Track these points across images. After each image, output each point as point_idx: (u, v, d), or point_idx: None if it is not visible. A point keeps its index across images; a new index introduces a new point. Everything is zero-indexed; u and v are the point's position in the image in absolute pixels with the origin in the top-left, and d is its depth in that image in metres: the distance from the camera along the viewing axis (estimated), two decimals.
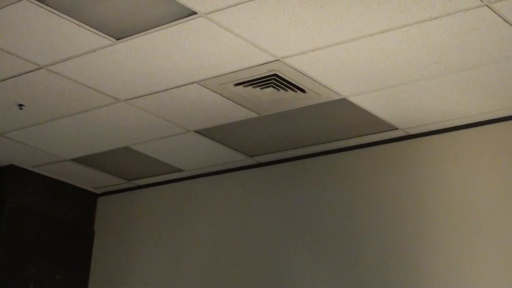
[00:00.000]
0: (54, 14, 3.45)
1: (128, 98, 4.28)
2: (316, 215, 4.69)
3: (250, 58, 3.77)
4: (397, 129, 4.44)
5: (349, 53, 3.66)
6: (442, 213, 4.23)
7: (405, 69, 3.78)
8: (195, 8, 3.37)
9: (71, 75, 4.03)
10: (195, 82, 4.05)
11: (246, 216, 5.02)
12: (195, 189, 5.34)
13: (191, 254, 5.20)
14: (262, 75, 3.93)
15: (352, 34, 3.50)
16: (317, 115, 4.35)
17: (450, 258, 4.13)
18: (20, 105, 4.40)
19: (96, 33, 3.61)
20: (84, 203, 5.77)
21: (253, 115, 4.40)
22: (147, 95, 4.23)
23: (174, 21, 3.47)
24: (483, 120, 4.24)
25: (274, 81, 3.97)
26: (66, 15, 3.46)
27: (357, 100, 4.15)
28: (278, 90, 4.07)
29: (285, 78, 3.94)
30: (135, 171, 5.41)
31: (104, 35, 3.62)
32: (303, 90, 4.07)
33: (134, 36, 3.62)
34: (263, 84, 4.02)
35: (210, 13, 3.39)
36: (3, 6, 3.40)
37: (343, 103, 4.18)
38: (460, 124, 4.31)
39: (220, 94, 4.16)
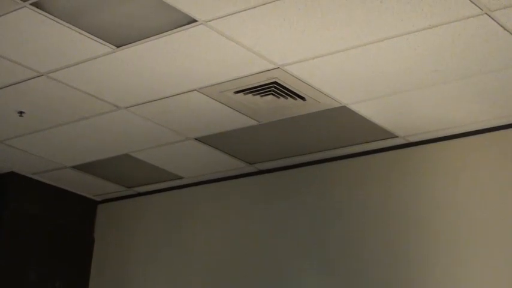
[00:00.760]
0: (55, 21, 3.45)
1: (128, 105, 4.28)
2: (316, 223, 4.69)
3: (250, 66, 3.77)
4: (397, 137, 4.44)
5: (349, 61, 3.66)
6: (443, 221, 4.22)
7: (405, 77, 3.78)
8: (196, 16, 3.37)
9: (71, 82, 4.03)
10: (195, 90, 4.06)
11: (246, 224, 5.02)
12: (195, 197, 5.34)
13: (191, 261, 5.19)
14: (262, 83, 3.94)
15: (352, 42, 3.50)
16: (317, 123, 4.35)
17: (449, 267, 4.12)
18: (21, 113, 4.40)
19: (96, 41, 3.61)
20: (84, 210, 5.77)
21: (253, 123, 4.40)
22: (147, 102, 4.23)
23: (174, 28, 3.48)
24: (483, 128, 4.23)
25: (274, 88, 3.98)
26: (67, 22, 3.46)
27: (357, 108, 4.15)
28: (278, 97, 4.08)
29: (285, 85, 3.94)
30: (135, 179, 5.41)
31: (105, 43, 3.63)
32: (303, 98, 4.07)
33: (134, 43, 3.62)
34: (263, 92, 4.02)
35: (210, 21, 3.39)
36: (4, 14, 3.40)
37: (343, 111, 4.18)
38: (460, 132, 4.30)
39: (220, 102, 4.17)
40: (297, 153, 4.77)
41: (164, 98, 4.16)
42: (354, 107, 4.14)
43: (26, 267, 5.31)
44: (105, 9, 3.34)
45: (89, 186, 5.60)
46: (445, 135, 4.35)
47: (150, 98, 4.17)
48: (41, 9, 3.36)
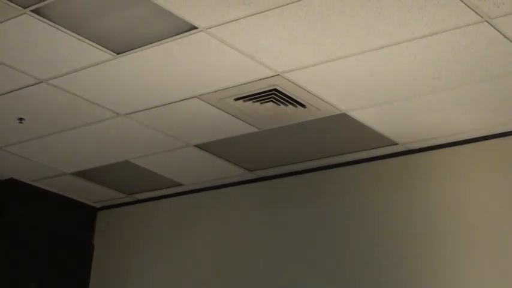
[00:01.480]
0: (55, 28, 3.45)
1: (128, 112, 4.28)
2: (316, 230, 4.68)
3: (250, 73, 3.77)
4: (397, 144, 4.44)
5: (349, 68, 3.66)
6: (442, 228, 4.22)
7: (405, 84, 3.78)
8: (196, 23, 3.37)
9: (71, 89, 4.03)
10: (195, 96, 4.06)
11: (246, 230, 5.01)
12: (195, 204, 5.33)
13: (191, 268, 5.18)
14: (262, 90, 3.94)
15: (353, 49, 3.50)
16: (317, 130, 4.35)
17: (449, 273, 4.12)
18: (20, 119, 4.40)
19: (96, 48, 3.61)
20: (84, 217, 5.76)
21: (253, 129, 4.40)
22: (147, 109, 4.23)
23: (174, 35, 3.48)
24: (483, 135, 4.23)
25: (274, 96, 3.98)
26: (67, 29, 3.46)
27: (357, 115, 4.15)
28: (278, 105, 4.08)
29: (285, 93, 3.94)
30: (134, 185, 5.41)
31: (105, 50, 3.63)
32: (303, 105, 4.07)
33: (135, 50, 3.63)
34: (263, 99, 4.02)
35: (210, 28, 3.40)
36: (4, 21, 3.41)
37: (343, 118, 4.18)
38: (460, 139, 4.30)
39: (220, 109, 4.17)
40: (297, 160, 4.77)
41: (164, 104, 4.16)
42: (354, 114, 4.14)
43: (26, 274, 5.30)
44: (106, 16, 3.35)
45: (89, 193, 5.60)
46: (445, 142, 4.35)
47: (150, 104, 4.17)
48: (41, 16, 3.37)
